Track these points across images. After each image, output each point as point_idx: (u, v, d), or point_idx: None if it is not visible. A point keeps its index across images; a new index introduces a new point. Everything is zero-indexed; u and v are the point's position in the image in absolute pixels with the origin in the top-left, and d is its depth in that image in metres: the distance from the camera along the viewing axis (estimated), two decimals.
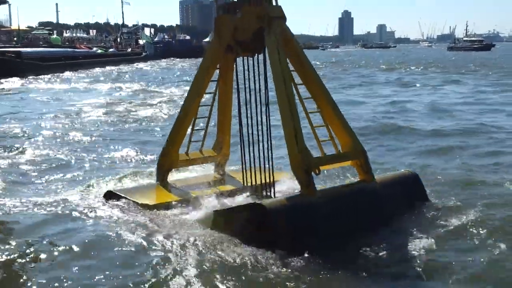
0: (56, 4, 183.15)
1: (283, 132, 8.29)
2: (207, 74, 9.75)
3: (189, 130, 10.09)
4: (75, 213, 9.16)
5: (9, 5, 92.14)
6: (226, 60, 9.65)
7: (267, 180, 9.16)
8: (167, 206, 9.10)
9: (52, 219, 8.96)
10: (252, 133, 9.22)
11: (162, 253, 7.46)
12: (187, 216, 8.75)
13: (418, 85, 39.43)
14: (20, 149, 15.02)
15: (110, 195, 9.62)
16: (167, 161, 10.03)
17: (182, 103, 10.18)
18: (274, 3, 8.66)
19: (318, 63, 76.95)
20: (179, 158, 10.12)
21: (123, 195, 9.46)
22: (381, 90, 35.70)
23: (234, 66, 9.69)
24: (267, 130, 9.04)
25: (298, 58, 8.71)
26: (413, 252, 7.48)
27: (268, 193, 9.16)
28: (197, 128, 10.16)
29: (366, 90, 35.58)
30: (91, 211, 9.19)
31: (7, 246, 7.77)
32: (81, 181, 11.59)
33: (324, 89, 8.83)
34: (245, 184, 9.63)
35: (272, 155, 9.07)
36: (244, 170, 9.53)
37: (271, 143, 9.09)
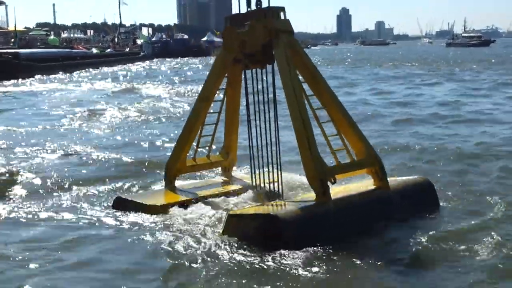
0: (53, 5, 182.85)
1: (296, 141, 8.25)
2: (215, 81, 9.83)
3: (197, 136, 10.14)
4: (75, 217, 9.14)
5: (6, 6, 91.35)
6: (234, 70, 9.69)
7: (275, 181, 9.14)
8: (174, 206, 9.10)
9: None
10: (261, 135, 9.22)
11: (170, 248, 7.56)
12: (195, 216, 8.73)
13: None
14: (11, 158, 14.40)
15: (118, 201, 9.68)
16: (175, 166, 10.07)
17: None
18: (282, 17, 8.69)
19: None
20: (186, 163, 10.18)
21: (130, 199, 9.56)
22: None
23: (243, 76, 9.62)
24: (275, 132, 9.00)
25: (308, 69, 8.77)
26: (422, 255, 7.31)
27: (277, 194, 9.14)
28: (204, 135, 10.20)
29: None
30: (96, 216, 9.25)
31: (11, 252, 7.70)
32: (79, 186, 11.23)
33: (335, 97, 8.86)
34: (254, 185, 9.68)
35: (280, 156, 9.00)
36: (253, 172, 9.55)
37: (279, 144, 9.02)
